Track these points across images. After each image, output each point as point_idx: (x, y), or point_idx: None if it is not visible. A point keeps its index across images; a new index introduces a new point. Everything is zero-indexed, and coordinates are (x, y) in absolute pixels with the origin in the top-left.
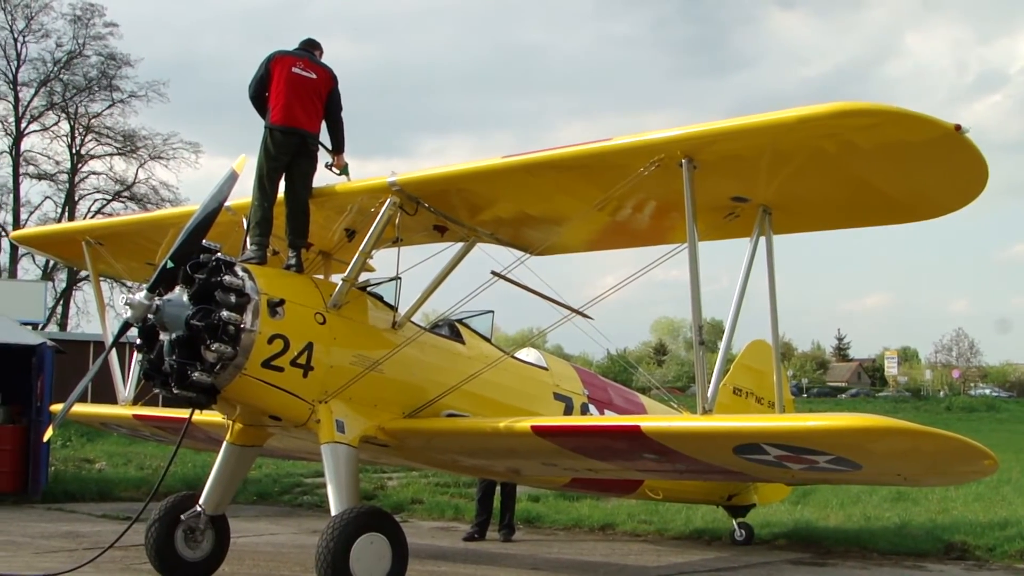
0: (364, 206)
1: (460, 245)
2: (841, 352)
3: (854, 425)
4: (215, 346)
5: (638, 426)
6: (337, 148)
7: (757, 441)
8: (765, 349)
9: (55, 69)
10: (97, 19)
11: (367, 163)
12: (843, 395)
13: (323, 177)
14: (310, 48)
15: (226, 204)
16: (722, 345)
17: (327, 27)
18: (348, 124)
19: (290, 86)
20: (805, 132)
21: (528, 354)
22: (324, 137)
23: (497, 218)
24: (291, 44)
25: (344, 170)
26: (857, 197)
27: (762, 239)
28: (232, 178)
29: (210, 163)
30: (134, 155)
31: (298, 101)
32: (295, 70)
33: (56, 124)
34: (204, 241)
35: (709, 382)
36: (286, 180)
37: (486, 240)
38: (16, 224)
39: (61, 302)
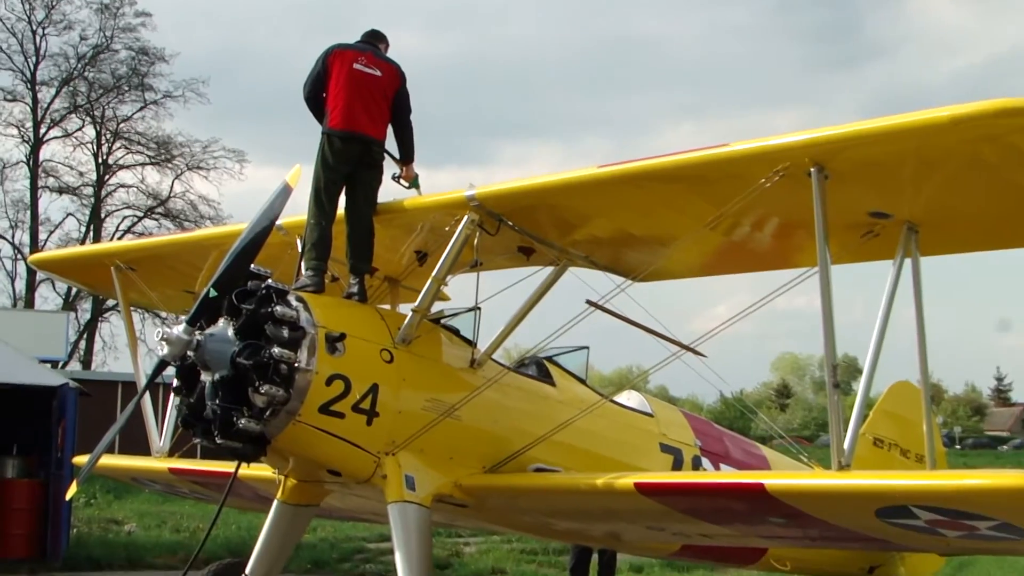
0: (437, 224)
1: (549, 270)
2: (1001, 395)
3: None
4: (265, 388)
5: (761, 484)
6: (406, 157)
7: (905, 503)
8: (911, 392)
9: (79, 66)
10: (127, 8)
11: (439, 174)
12: (1005, 446)
13: (389, 191)
14: (374, 41)
15: (277, 223)
16: (860, 387)
17: (395, 16)
18: (418, 128)
19: (351, 85)
20: (959, 135)
21: (629, 398)
22: (390, 144)
23: (592, 238)
24: (352, 36)
25: (414, 183)
26: (1020, 212)
27: (907, 261)
28: (285, 192)
29: (258, 174)
30: (169, 165)
31: (360, 102)
32: (357, 66)
33: (80, 129)
34: (252, 266)
35: (845, 431)
36: (347, 194)
37: (580, 264)
38: (34, 246)
39: (85, 336)
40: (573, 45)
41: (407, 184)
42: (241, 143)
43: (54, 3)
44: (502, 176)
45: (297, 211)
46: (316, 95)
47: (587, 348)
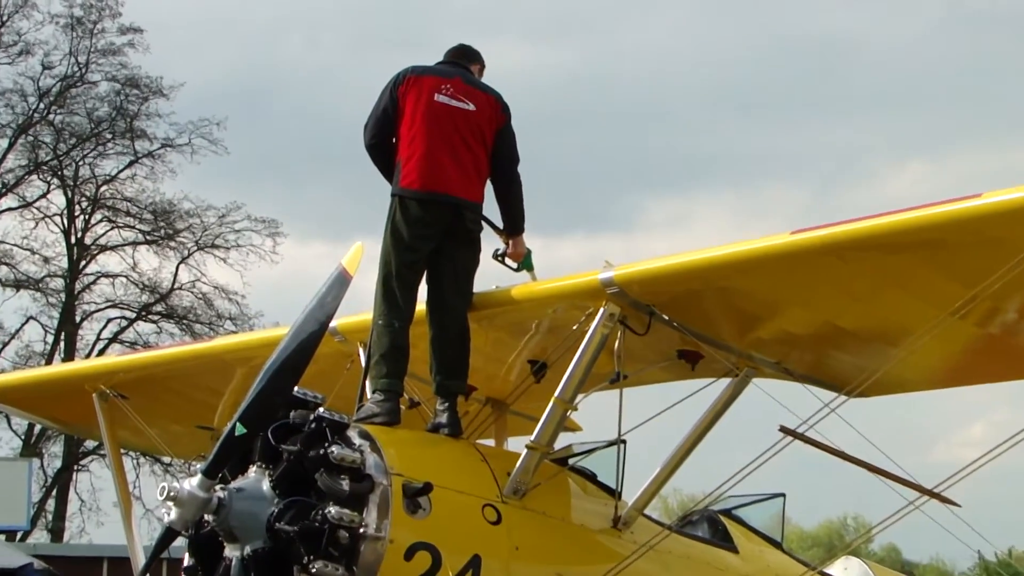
0: (561, 322)
1: (725, 383)
2: None
3: None
4: (318, 566)
5: None
6: (513, 227)
7: None
8: None
9: (41, 106)
10: (108, 21)
11: (560, 246)
12: None
13: (489, 275)
14: (464, 61)
15: (332, 325)
16: None
17: (484, 23)
18: (529, 182)
19: (433, 125)
20: None
21: (847, 567)
22: (490, 209)
23: (785, 337)
24: (431, 55)
25: (525, 262)
26: None
27: None
28: (341, 282)
29: (300, 254)
30: (172, 244)
31: (447, 150)
32: (441, 98)
33: (44, 196)
34: (297, 388)
35: None
36: (429, 283)
37: (768, 374)
38: None
39: (55, 493)
40: (742, 55)
41: (515, 265)
42: (274, 209)
43: (5, 16)
44: (650, 247)
45: (359, 307)
46: (383, 141)
47: (783, 496)
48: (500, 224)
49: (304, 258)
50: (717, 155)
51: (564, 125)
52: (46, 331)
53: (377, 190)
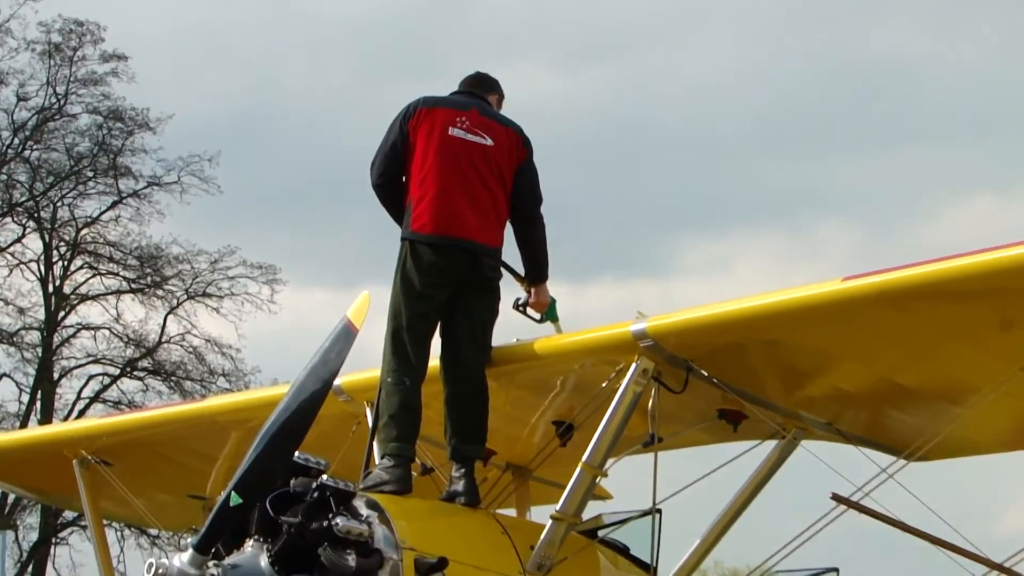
0: (589, 379)
1: (771, 445)
2: None
3: None
4: None
5: None
6: (536, 273)
7: None
8: None
9: (16, 141)
10: (89, 48)
11: (588, 293)
12: None
13: (509, 327)
14: (480, 91)
15: (336, 383)
16: None
17: (508, 50)
18: (552, 223)
19: (447, 162)
20: None
21: None
22: (510, 254)
23: (838, 395)
24: (445, 84)
25: (549, 313)
26: None
27: None
28: (346, 336)
29: (301, 303)
30: (159, 293)
31: (462, 189)
32: (455, 132)
33: (19, 241)
34: (298, 453)
35: None
36: (444, 336)
37: (819, 435)
38: None
39: (31, 569)
40: (785, 77)
41: (538, 316)
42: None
43: None
44: (688, 293)
45: (366, 364)
46: (392, 179)
47: (835, 571)
48: (521, 271)
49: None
50: (762, 191)
51: (592, 159)
52: (21, 390)
53: (386, 233)
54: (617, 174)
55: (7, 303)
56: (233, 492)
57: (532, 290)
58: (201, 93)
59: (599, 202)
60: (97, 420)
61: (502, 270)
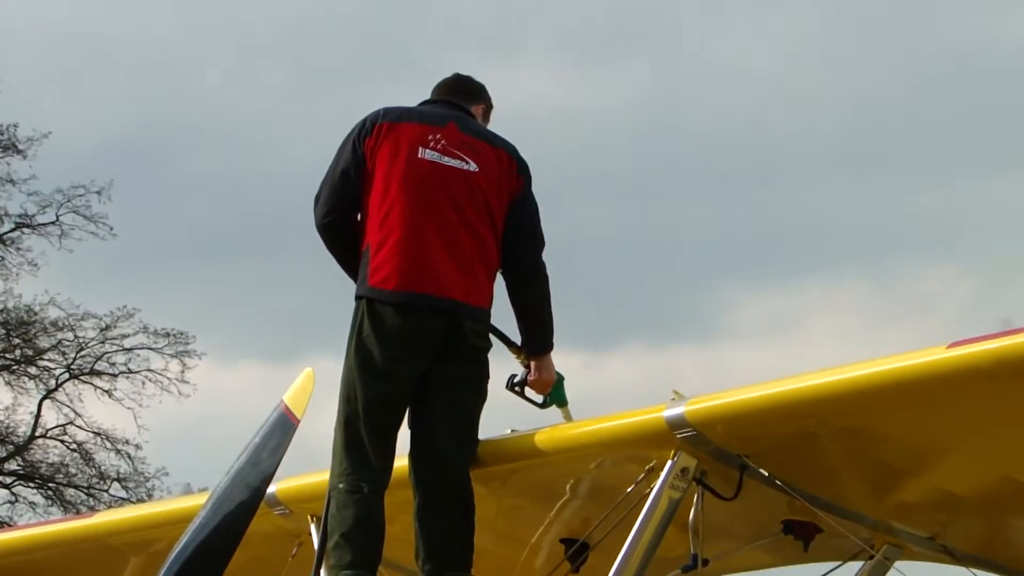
0: (609, 482)
1: (855, 567)
2: None
3: None
4: None
5: None
6: (536, 342)
7: None
8: None
9: None
10: None
11: (605, 363)
12: None
13: (504, 413)
14: (460, 99)
15: (270, 491)
16: None
17: (499, 44)
18: (559, 271)
19: (417, 194)
20: None
21: None
22: (501, 315)
23: (942, 499)
24: (413, 90)
25: (555, 394)
26: None
27: None
28: (283, 428)
29: (221, 384)
30: (31, 371)
31: (438, 230)
32: (427, 154)
33: None
34: None
35: None
36: (414, 426)
37: (918, 554)
38: None
39: None
40: (866, 74)
41: (540, 399)
42: (184, 317)
43: None
44: (741, 365)
45: (311, 464)
46: (343, 218)
47: None
48: (517, 338)
49: (229, 389)
50: (840, 226)
51: (612, 188)
52: None
53: (336, 289)
54: (645, 205)
55: None
56: None
57: (532, 364)
58: (87, 104)
59: (621, 243)
60: None
61: (492, 338)
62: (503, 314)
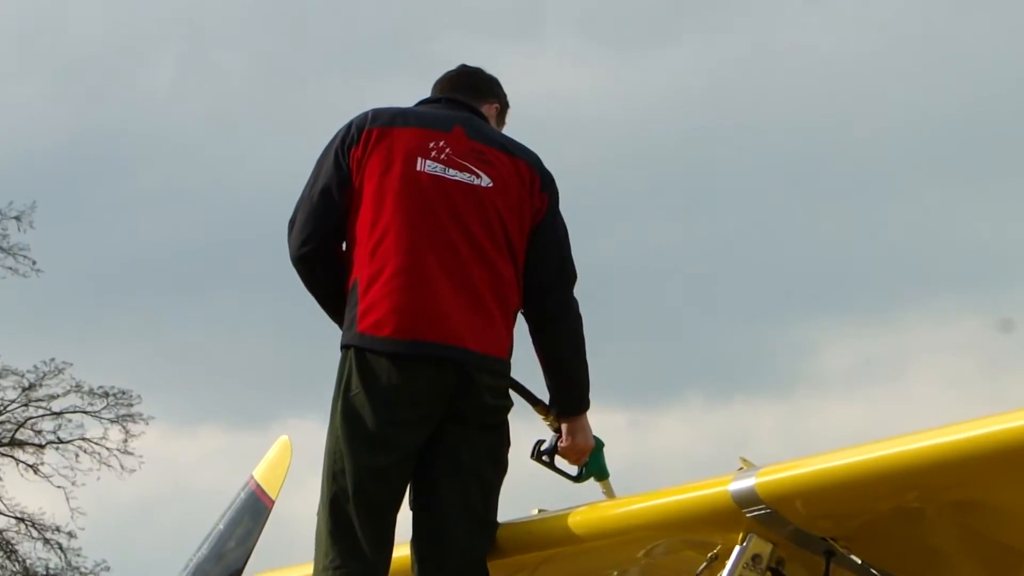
0: (664, 572)
1: None
2: None
3: None
4: None
5: None
6: (568, 400)
7: None
8: None
9: None
10: None
11: (655, 422)
12: None
13: (528, 487)
14: (468, 96)
15: None
16: None
17: (519, 24)
18: (593, 305)
19: (417, 217)
20: None
21: None
22: (524, 367)
23: None
24: (411, 87)
25: (592, 464)
26: None
27: None
28: (253, 512)
29: (174, 454)
30: None
31: (443, 263)
32: (429, 167)
33: None
34: None
35: None
36: (417, 505)
37: None
38: None
39: None
40: (971, 60)
41: (574, 471)
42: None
43: None
44: (827, 424)
45: (290, 555)
46: (324, 248)
47: None
48: (544, 395)
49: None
50: (943, 247)
51: (657, 202)
52: None
53: (318, 335)
54: (700, 223)
55: None
56: None
57: (563, 427)
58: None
59: (671, 271)
60: None
61: (512, 395)
62: (525, 364)
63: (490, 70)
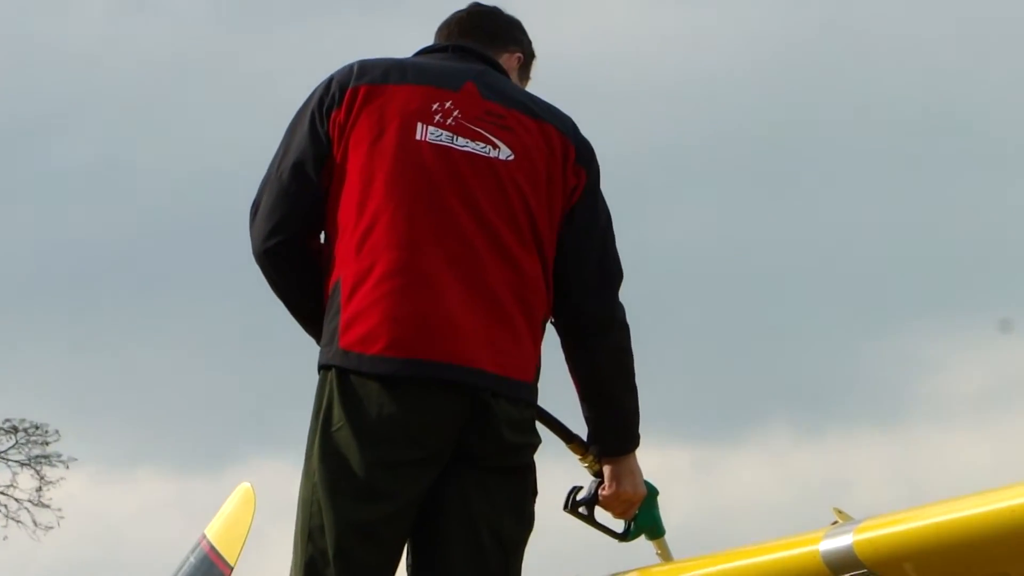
0: None
1: None
2: None
3: None
4: None
5: None
6: (613, 436)
7: None
8: None
9: None
10: None
11: (722, 458)
12: None
13: (560, 542)
14: (482, 43)
15: None
16: None
17: None
18: (638, 310)
19: (416, 200)
20: None
21: None
22: (556, 395)
23: None
24: (404, 39)
25: (642, 519)
26: None
27: None
28: (207, 574)
29: (105, 505)
30: None
31: (451, 259)
32: (430, 135)
33: None
34: None
35: None
36: (417, 570)
37: None
38: None
39: None
40: None
41: (620, 528)
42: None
43: None
44: (939, 460)
45: None
46: (297, 239)
47: None
48: (580, 429)
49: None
50: None
51: (728, 181)
52: None
53: (289, 351)
54: (781, 208)
55: None
56: None
57: (606, 471)
58: None
59: (745, 268)
60: None
61: (539, 429)
62: (556, 388)
63: (511, 10)
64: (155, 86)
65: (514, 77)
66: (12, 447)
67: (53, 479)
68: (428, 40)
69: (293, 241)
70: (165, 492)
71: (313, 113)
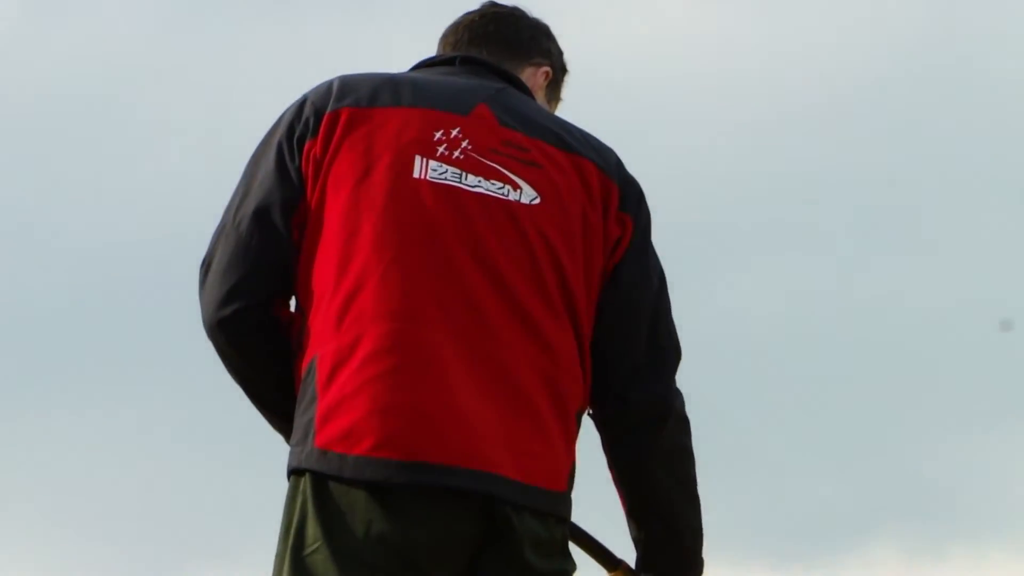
0: None
1: None
2: None
3: None
4: None
5: None
6: (668, 558)
7: None
8: None
9: None
10: None
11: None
12: None
13: None
14: (495, 55)
15: None
16: None
17: None
18: (695, 399)
19: (414, 255)
20: None
21: None
22: (591, 509)
23: None
24: (399, 48)
25: None
26: None
27: None
28: None
29: None
30: None
31: (457, 331)
32: (431, 172)
33: None
34: None
35: None
36: None
37: None
38: None
39: None
40: None
41: None
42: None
43: None
44: None
45: None
46: (258, 305)
47: None
48: (626, 553)
49: None
50: None
51: (824, 227)
52: None
53: (249, 450)
54: (887, 263)
55: None
56: None
57: None
58: None
59: (843, 338)
60: None
61: (572, 550)
62: (595, 498)
63: (538, 11)
64: (83, 91)
65: (540, 97)
66: None
67: None
68: (429, 49)
69: (255, 309)
70: None
71: (281, 144)
